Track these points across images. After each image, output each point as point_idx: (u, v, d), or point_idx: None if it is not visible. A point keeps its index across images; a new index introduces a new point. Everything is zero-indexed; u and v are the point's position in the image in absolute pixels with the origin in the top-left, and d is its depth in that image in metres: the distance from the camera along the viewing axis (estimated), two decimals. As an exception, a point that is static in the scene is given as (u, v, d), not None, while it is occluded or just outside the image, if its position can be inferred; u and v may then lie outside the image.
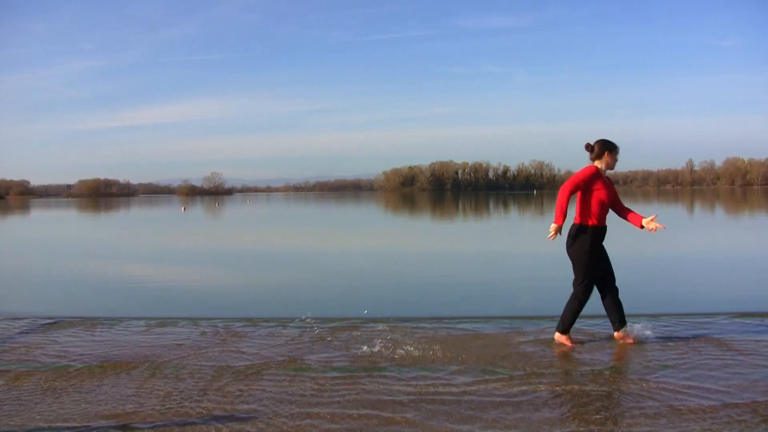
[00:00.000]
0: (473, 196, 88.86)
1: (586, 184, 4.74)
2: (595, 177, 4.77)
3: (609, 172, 4.95)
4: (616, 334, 4.96)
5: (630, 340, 4.90)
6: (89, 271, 11.54)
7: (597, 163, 4.86)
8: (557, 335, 5.00)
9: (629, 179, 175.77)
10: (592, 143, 4.92)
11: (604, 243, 4.92)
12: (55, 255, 14.87)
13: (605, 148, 4.85)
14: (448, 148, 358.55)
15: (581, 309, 4.92)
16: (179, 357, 4.85)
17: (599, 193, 4.74)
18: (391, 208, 46.24)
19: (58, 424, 3.49)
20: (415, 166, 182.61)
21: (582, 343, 5.01)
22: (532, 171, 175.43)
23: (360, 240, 18.22)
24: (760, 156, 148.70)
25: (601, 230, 4.83)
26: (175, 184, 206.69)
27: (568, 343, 4.91)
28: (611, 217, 4.95)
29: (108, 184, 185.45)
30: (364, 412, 3.60)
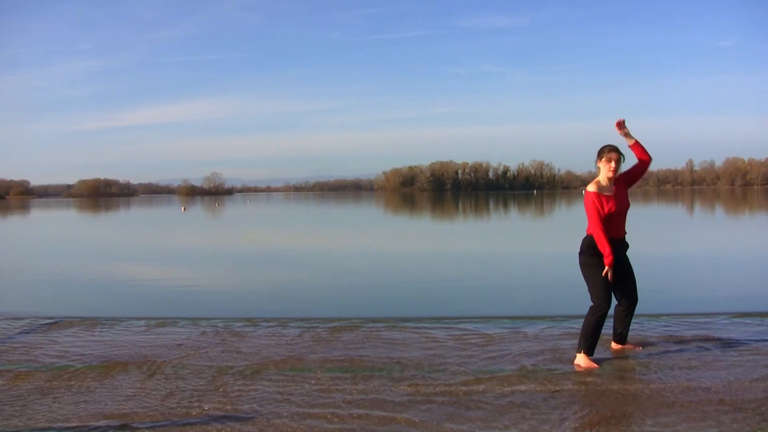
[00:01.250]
0: (473, 196, 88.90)
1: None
2: (598, 198, 4.44)
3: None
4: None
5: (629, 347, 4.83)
6: (89, 271, 11.55)
7: (592, 185, 4.48)
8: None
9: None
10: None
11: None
12: (55, 255, 14.87)
13: (597, 156, 4.50)
14: (448, 148, 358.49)
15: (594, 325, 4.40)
16: (179, 357, 4.85)
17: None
18: (391, 208, 46.25)
19: (58, 424, 3.49)
20: (415, 166, 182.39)
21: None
22: (532, 171, 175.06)
23: (360, 240, 18.22)
24: (760, 156, 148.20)
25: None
26: (175, 184, 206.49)
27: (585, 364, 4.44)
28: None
29: (108, 184, 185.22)
30: (364, 412, 3.60)
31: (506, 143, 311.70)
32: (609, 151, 4.46)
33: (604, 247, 4.34)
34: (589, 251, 4.46)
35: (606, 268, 4.35)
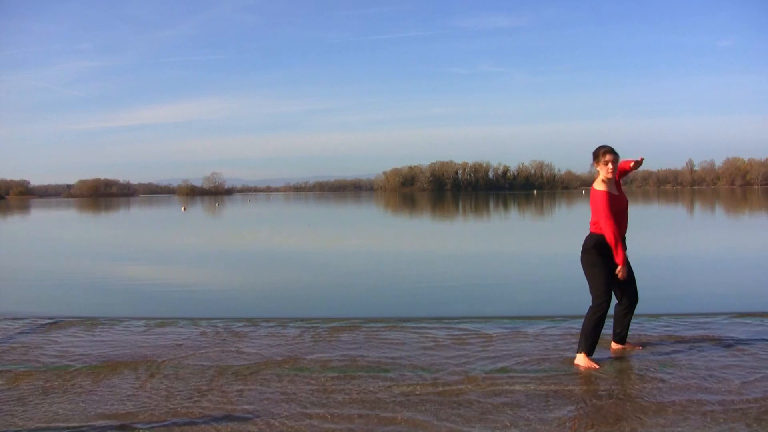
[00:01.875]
0: (473, 196, 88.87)
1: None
2: (609, 197, 4.42)
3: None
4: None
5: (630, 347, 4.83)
6: (89, 271, 11.54)
7: (601, 183, 4.47)
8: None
9: (629, 179, 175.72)
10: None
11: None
12: (55, 255, 14.86)
13: (593, 159, 4.52)
14: (448, 148, 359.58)
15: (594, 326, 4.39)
16: (179, 357, 4.85)
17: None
18: (391, 208, 46.24)
19: (58, 424, 3.49)
20: (415, 166, 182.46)
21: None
22: (532, 171, 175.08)
23: (360, 240, 18.22)
24: (760, 156, 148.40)
25: (601, 239, 4.44)
26: (175, 184, 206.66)
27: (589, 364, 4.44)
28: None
29: (108, 184, 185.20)
30: (364, 412, 3.60)
31: (506, 143, 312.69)
32: (604, 153, 4.45)
33: (620, 246, 4.36)
34: (595, 250, 4.43)
35: (619, 266, 4.37)
